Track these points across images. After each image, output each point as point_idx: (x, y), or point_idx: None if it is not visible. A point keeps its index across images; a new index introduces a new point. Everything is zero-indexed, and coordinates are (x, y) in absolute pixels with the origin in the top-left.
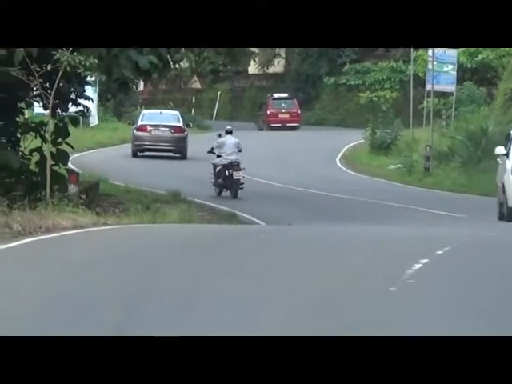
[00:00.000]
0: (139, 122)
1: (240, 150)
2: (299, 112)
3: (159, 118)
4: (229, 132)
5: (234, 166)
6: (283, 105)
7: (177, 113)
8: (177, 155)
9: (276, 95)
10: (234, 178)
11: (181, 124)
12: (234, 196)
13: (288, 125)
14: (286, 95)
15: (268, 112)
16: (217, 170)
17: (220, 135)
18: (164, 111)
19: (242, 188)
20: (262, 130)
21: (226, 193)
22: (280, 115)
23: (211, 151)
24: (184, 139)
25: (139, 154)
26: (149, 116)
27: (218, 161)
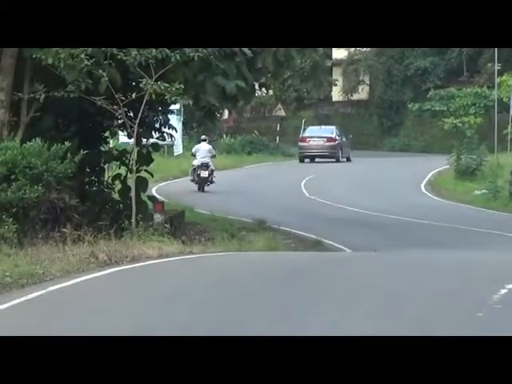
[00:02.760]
0: (301, 135)
1: (214, 156)
2: None
3: (318, 131)
4: (203, 140)
5: (203, 166)
6: None
7: (333, 127)
8: (331, 159)
9: None
10: (201, 176)
11: (333, 135)
12: (202, 190)
13: None
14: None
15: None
16: (193, 169)
17: (199, 142)
18: (323, 126)
19: (208, 185)
20: None
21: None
22: None
23: (193, 154)
24: (335, 147)
25: (305, 160)
26: (310, 130)
27: (195, 162)
